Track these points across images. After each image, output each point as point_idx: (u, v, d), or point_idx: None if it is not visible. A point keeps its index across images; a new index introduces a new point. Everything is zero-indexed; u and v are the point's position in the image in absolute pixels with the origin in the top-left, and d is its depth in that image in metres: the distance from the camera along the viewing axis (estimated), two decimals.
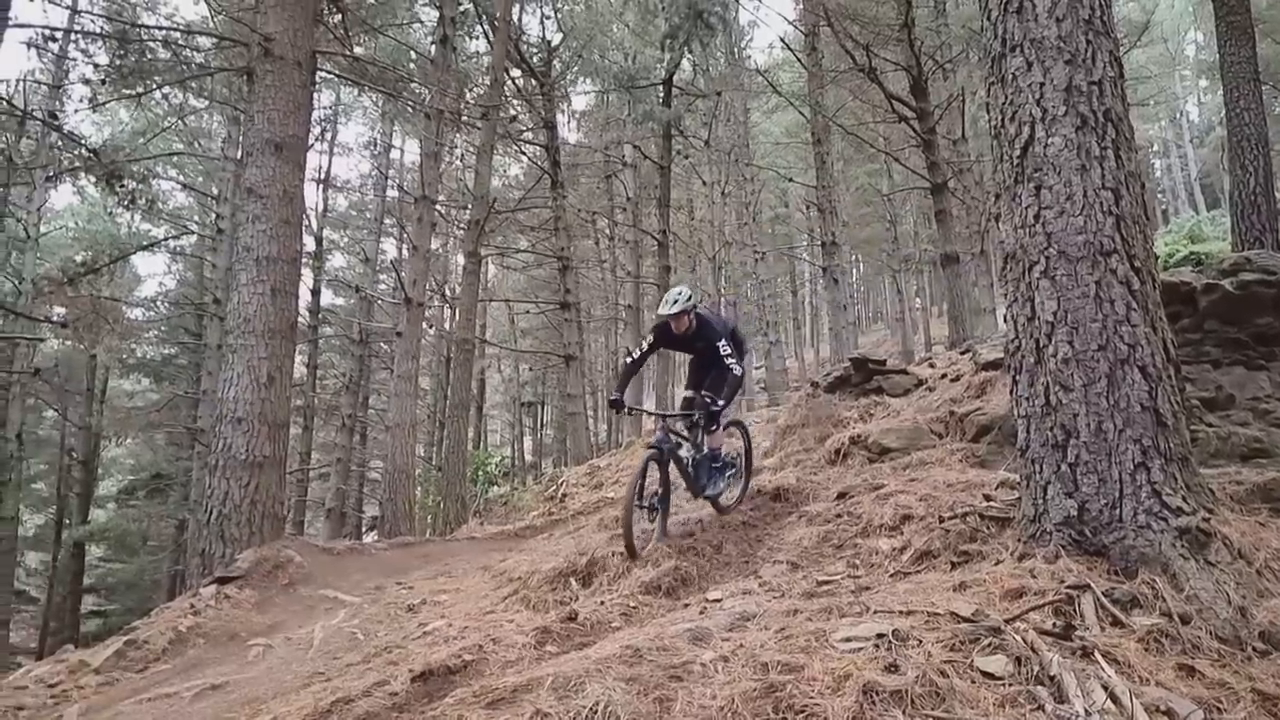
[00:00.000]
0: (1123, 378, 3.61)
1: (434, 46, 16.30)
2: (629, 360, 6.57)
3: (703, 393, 6.30)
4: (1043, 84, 3.94)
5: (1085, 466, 3.62)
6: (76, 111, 19.47)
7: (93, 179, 14.32)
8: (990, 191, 13.90)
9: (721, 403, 6.06)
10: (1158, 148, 47.36)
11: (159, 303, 28.51)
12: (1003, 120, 4.12)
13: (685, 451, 6.21)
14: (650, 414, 7.57)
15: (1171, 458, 3.57)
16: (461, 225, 21.79)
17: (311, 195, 27.39)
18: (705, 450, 6.34)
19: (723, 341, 6.09)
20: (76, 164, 15.23)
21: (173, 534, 24.80)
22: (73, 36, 15.43)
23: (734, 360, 6.08)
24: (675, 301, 6.16)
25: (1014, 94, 4.05)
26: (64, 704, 5.44)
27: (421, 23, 20.31)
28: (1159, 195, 45.51)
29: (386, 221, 30.90)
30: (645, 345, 6.44)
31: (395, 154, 32.05)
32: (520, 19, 20.39)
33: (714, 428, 6.31)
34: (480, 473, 21.96)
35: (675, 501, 7.06)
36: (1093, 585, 3.23)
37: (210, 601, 7.16)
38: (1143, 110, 35.89)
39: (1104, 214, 3.75)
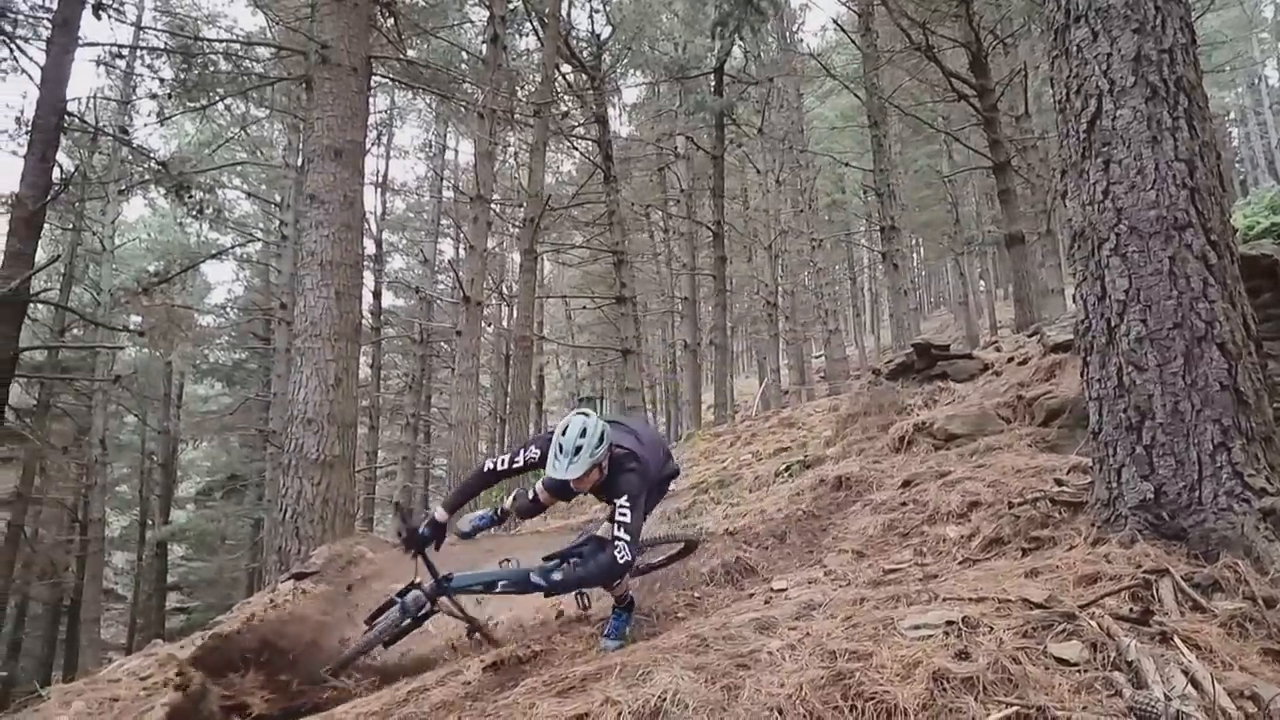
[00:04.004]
0: (1200, 356, 3.48)
1: (485, 46, 16.45)
2: (489, 469, 4.10)
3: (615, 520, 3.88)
4: (1109, 54, 3.80)
5: (1162, 448, 3.51)
6: (145, 125, 20.29)
7: (163, 190, 14.89)
8: (1056, 168, 13.50)
9: (568, 579, 3.95)
10: (1235, 115, 45.42)
11: (228, 309, 29.55)
12: (1068, 94, 3.99)
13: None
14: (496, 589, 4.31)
15: (1253, 437, 3.44)
16: (517, 223, 22.02)
17: (370, 199, 27.87)
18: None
19: (624, 499, 3.78)
20: (147, 176, 15.85)
21: (249, 532, 25.65)
22: (139, 53, 16.02)
23: (625, 543, 3.67)
24: (575, 452, 3.71)
25: (1079, 66, 3.92)
26: (155, 695, 5.67)
27: (472, 23, 20.60)
28: (1237, 165, 43.74)
29: (443, 222, 31.31)
30: (524, 459, 4.01)
31: (450, 155, 32.39)
32: (569, 14, 20.45)
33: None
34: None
35: (734, 494, 7.05)
36: (1171, 570, 3.13)
37: (288, 596, 7.38)
38: (1218, 77, 34.35)
39: (1177, 187, 3.61)
